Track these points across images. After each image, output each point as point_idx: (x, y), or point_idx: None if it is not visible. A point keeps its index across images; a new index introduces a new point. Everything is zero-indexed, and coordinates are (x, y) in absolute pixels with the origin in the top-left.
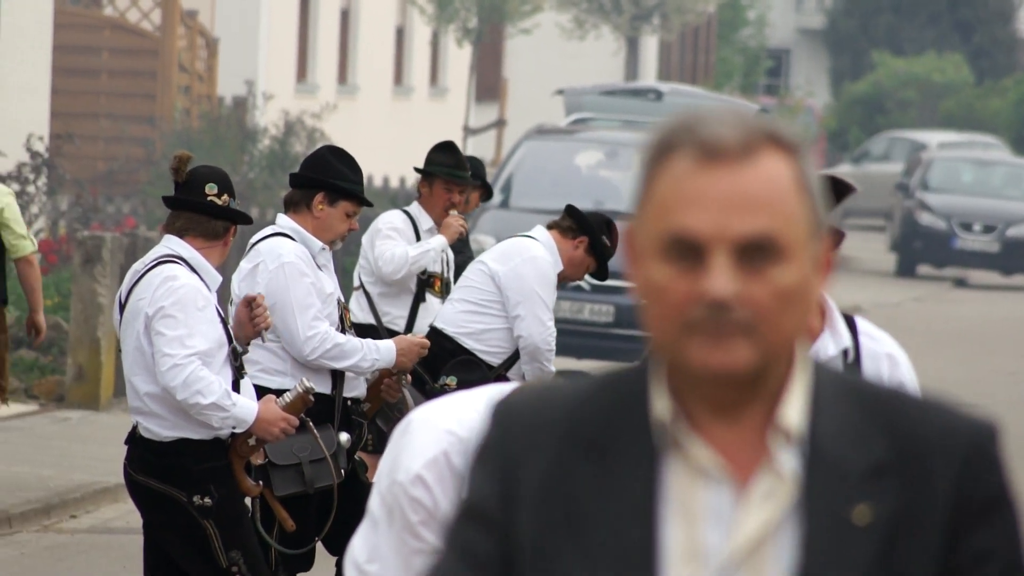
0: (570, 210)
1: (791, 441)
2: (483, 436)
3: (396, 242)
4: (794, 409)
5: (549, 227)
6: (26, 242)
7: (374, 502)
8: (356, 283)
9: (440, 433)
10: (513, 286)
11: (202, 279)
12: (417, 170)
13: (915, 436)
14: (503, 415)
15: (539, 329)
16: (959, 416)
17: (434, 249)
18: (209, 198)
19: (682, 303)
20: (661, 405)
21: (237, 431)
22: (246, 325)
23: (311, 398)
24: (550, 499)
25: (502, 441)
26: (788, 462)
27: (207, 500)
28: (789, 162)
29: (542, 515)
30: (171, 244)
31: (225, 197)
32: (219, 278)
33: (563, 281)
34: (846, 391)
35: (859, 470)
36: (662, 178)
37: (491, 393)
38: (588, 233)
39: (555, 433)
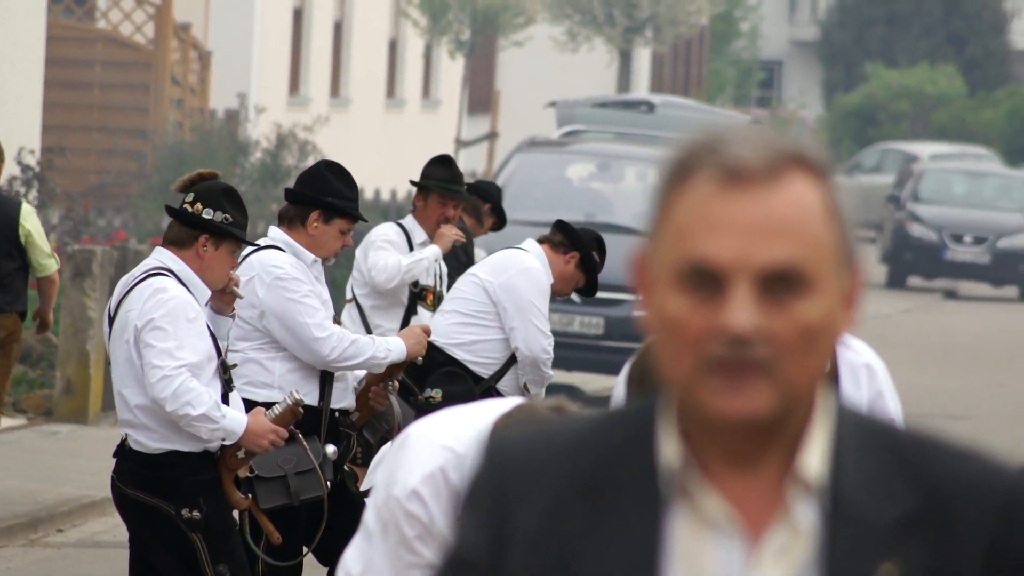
0: (560, 225)
1: (810, 492)
2: (474, 477)
3: (389, 252)
4: (814, 457)
5: (540, 241)
6: (52, 261)
7: (369, 515)
8: (348, 296)
9: (437, 449)
10: (509, 298)
11: (191, 292)
12: (413, 183)
13: (947, 487)
14: (497, 455)
15: (537, 339)
16: (995, 466)
17: (427, 259)
18: (183, 205)
19: (698, 337)
20: (670, 449)
21: (226, 443)
22: (218, 294)
23: (301, 410)
24: (543, 548)
25: (494, 484)
26: (806, 515)
27: (195, 513)
28: (818, 186)
29: (533, 565)
30: (161, 256)
31: (198, 206)
32: (208, 292)
33: (552, 295)
34: (873, 437)
35: (885, 524)
36: (681, 201)
37: (490, 409)
38: (579, 249)
39: (553, 476)
